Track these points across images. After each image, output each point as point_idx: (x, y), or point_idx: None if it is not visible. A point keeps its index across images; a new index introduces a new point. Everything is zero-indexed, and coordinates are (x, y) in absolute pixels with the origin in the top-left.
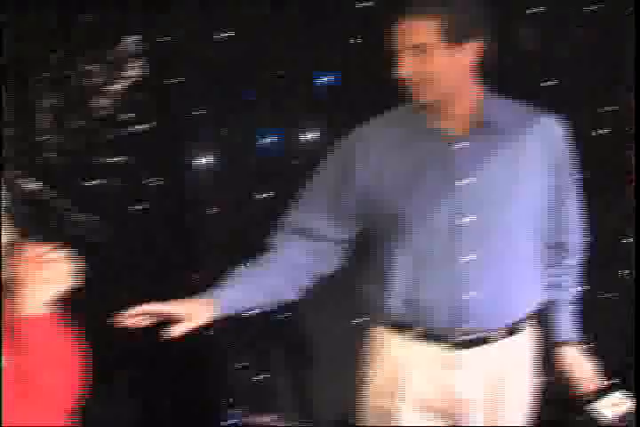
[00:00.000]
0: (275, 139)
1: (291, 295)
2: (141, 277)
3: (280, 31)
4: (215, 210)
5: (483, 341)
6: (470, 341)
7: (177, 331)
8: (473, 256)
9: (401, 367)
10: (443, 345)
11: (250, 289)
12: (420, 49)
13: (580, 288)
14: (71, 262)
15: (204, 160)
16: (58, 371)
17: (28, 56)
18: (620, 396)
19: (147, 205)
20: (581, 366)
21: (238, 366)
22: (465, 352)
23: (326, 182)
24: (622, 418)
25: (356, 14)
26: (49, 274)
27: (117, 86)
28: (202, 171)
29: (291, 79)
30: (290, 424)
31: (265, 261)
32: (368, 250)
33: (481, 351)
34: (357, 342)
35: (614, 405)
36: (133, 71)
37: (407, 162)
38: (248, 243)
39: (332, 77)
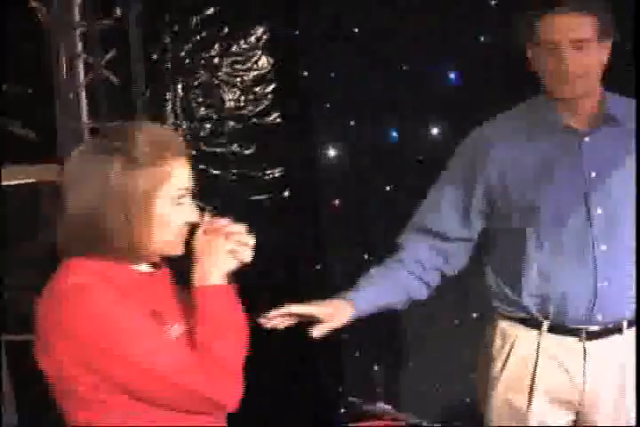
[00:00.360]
0: (398, 134)
1: (423, 295)
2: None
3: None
4: (338, 202)
5: (610, 331)
6: (599, 332)
7: (321, 331)
8: (604, 247)
9: (531, 361)
10: (573, 337)
11: (384, 290)
12: (581, 44)
13: None
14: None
15: (331, 152)
16: (233, 341)
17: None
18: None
19: (270, 196)
20: None
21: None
22: (594, 343)
23: (454, 182)
24: None
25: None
26: (233, 246)
27: (246, 78)
28: (328, 164)
29: (417, 76)
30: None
31: (397, 261)
32: (493, 247)
33: (608, 342)
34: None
35: None
36: (262, 62)
37: (536, 158)
38: (371, 236)
39: (457, 75)
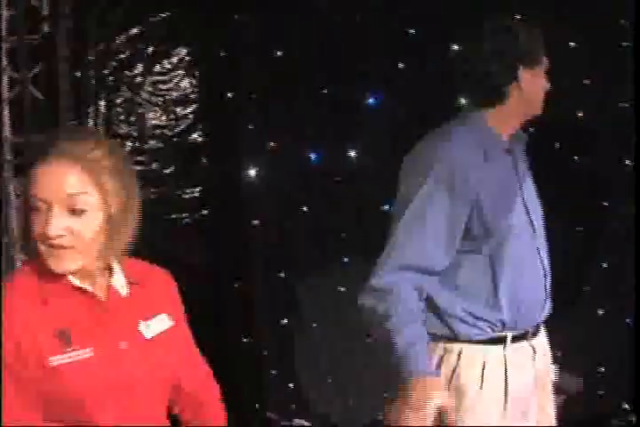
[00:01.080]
0: (319, 155)
1: None
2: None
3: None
4: (257, 222)
5: (540, 328)
6: (536, 329)
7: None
8: (542, 253)
9: (502, 377)
10: (528, 340)
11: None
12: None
13: None
14: None
15: (252, 172)
16: None
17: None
18: None
19: (187, 216)
20: None
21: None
22: (536, 340)
23: (437, 212)
24: None
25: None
26: None
27: (168, 97)
28: (248, 183)
29: (337, 99)
30: None
31: (422, 312)
32: (458, 270)
33: (541, 337)
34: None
35: None
36: (185, 83)
37: (494, 177)
38: (290, 256)
39: (376, 98)
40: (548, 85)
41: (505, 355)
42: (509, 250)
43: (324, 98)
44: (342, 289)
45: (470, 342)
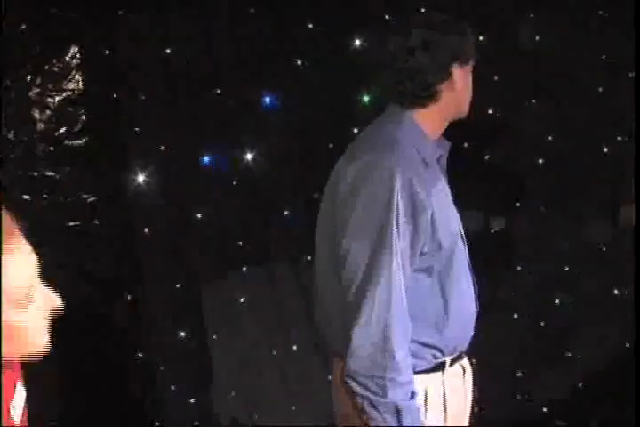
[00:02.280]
0: (215, 158)
1: None
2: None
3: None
4: (147, 231)
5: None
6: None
7: None
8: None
9: (441, 403)
10: (460, 361)
11: None
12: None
13: None
14: None
15: (142, 178)
16: None
17: None
18: None
19: (79, 222)
20: None
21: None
22: (465, 359)
23: (404, 242)
24: None
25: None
26: None
27: (57, 98)
28: (139, 190)
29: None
30: None
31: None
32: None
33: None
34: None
35: None
36: (75, 83)
37: (437, 188)
38: (184, 264)
39: (275, 99)
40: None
41: (443, 380)
42: (455, 264)
43: (218, 98)
44: (242, 299)
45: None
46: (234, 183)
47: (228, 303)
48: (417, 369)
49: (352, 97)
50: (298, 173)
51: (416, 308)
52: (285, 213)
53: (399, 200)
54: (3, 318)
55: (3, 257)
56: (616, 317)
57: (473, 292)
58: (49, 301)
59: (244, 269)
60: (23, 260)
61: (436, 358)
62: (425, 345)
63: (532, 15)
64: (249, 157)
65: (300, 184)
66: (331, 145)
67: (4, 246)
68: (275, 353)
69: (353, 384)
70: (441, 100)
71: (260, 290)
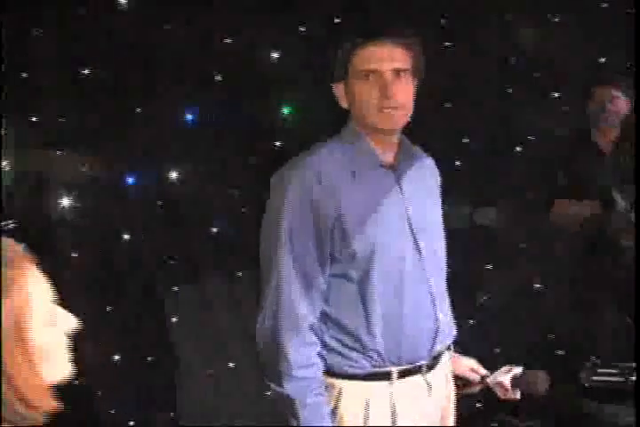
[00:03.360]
0: (137, 178)
1: None
2: None
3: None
4: (75, 255)
5: (439, 360)
6: (435, 361)
7: None
8: (432, 281)
9: (389, 416)
10: (417, 375)
11: None
12: (401, 74)
13: None
14: None
15: (65, 201)
16: None
17: None
18: (509, 366)
19: None
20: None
21: None
22: (432, 373)
23: (308, 244)
24: (515, 380)
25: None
26: None
27: None
28: (62, 212)
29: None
30: None
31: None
32: (331, 297)
33: (439, 370)
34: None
35: (506, 372)
36: None
37: (366, 197)
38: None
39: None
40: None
41: (392, 392)
42: (380, 275)
43: (139, 117)
44: (174, 319)
45: (351, 377)
46: (160, 202)
47: (160, 324)
48: (350, 373)
49: (273, 110)
50: (224, 189)
51: (339, 311)
52: (214, 229)
53: (292, 208)
54: (38, 341)
55: (27, 280)
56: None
57: (427, 310)
58: (67, 321)
59: (175, 288)
60: (42, 281)
61: (375, 366)
62: (352, 349)
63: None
64: (173, 175)
65: (228, 199)
66: (253, 159)
67: (24, 270)
68: (211, 371)
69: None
70: (359, 114)
71: (193, 308)
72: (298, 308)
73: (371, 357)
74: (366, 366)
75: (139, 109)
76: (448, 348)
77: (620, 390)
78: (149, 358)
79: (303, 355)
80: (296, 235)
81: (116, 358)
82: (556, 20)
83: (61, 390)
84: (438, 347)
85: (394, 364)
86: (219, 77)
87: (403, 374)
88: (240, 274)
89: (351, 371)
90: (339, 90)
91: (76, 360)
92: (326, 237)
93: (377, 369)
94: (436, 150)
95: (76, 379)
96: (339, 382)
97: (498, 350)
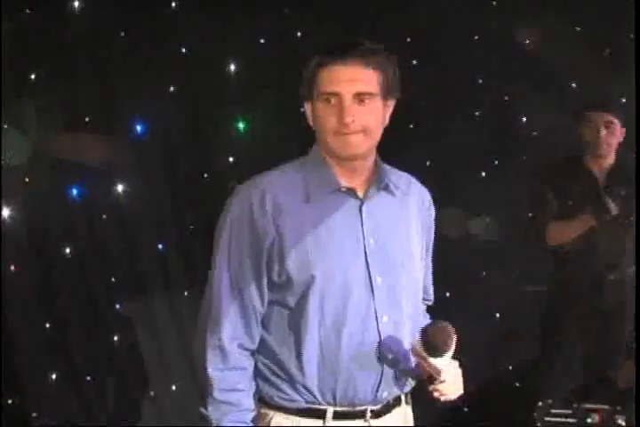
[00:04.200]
0: (81, 191)
1: None
2: None
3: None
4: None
5: (392, 406)
6: (383, 409)
7: None
8: (385, 319)
9: None
10: (358, 419)
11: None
12: (364, 98)
13: None
14: None
15: (6, 213)
16: None
17: None
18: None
19: None
20: None
21: None
22: (379, 421)
23: (243, 257)
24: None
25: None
26: None
27: None
28: (3, 225)
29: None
30: None
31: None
32: (268, 324)
33: (390, 417)
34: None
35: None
36: None
37: (315, 222)
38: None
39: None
40: (343, 118)
41: None
42: (317, 306)
43: (86, 127)
44: (115, 338)
45: (284, 410)
46: (104, 216)
47: (101, 343)
48: (280, 404)
49: (226, 124)
50: (173, 204)
51: (273, 338)
52: (159, 246)
53: (232, 224)
54: None
55: None
56: None
57: (370, 352)
58: None
59: (117, 306)
60: None
61: (307, 401)
62: (283, 380)
63: None
64: (119, 188)
65: (176, 215)
66: (205, 175)
67: None
68: (152, 394)
69: None
70: (318, 133)
71: (136, 326)
72: (226, 328)
73: (301, 392)
74: (298, 399)
75: (87, 119)
76: (399, 403)
77: None
78: (88, 378)
79: (227, 379)
80: (233, 251)
81: (53, 377)
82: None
83: None
84: (385, 393)
85: (329, 403)
86: (171, 89)
87: (341, 416)
88: (186, 293)
89: (283, 403)
90: (307, 109)
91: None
92: (262, 257)
93: (310, 405)
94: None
95: (10, 397)
96: (271, 413)
97: None
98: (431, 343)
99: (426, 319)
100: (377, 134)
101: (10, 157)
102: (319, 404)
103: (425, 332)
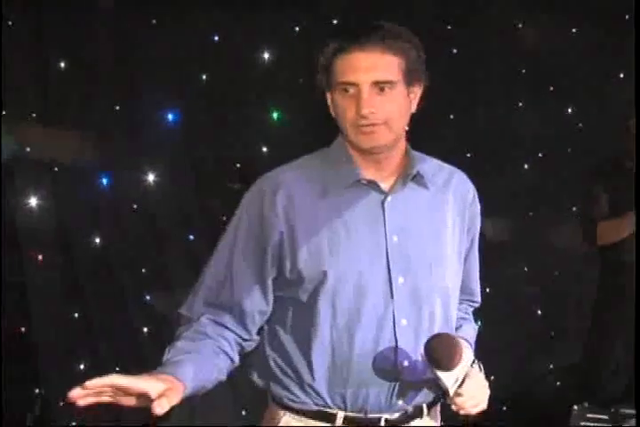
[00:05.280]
0: (111, 180)
1: (224, 374)
2: None
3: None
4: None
5: (411, 417)
6: (399, 419)
7: (164, 408)
8: (404, 322)
9: None
10: None
11: (200, 367)
12: (385, 86)
13: None
14: None
15: (33, 201)
16: None
17: None
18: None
19: None
20: None
21: None
22: None
23: (245, 247)
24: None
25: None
26: None
27: None
28: (29, 213)
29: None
30: None
31: (203, 334)
32: (279, 321)
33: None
34: None
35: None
36: None
37: (331, 217)
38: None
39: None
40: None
41: None
42: (330, 305)
43: (115, 115)
44: (145, 329)
45: (286, 407)
46: (134, 206)
47: (130, 333)
48: (288, 404)
49: (261, 114)
50: (204, 195)
51: (289, 337)
52: (190, 237)
53: (244, 216)
54: None
55: None
56: None
57: (386, 355)
58: None
59: (147, 297)
60: None
61: (317, 404)
62: (288, 377)
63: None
64: (150, 178)
65: (206, 206)
66: (238, 164)
67: None
68: None
69: None
70: (339, 124)
71: (164, 319)
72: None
73: (310, 394)
74: (308, 402)
75: (117, 107)
76: (420, 413)
77: None
78: (117, 368)
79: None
80: (239, 240)
81: (81, 367)
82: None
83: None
84: (400, 402)
85: (339, 407)
86: (204, 77)
87: (351, 422)
88: None
89: (292, 405)
90: (329, 98)
91: (40, 370)
92: (267, 252)
93: (321, 408)
94: None
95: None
96: (281, 413)
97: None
98: (432, 357)
99: (467, 323)
100: (401, 124)
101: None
102: (329, 407)
103: (426, 345)
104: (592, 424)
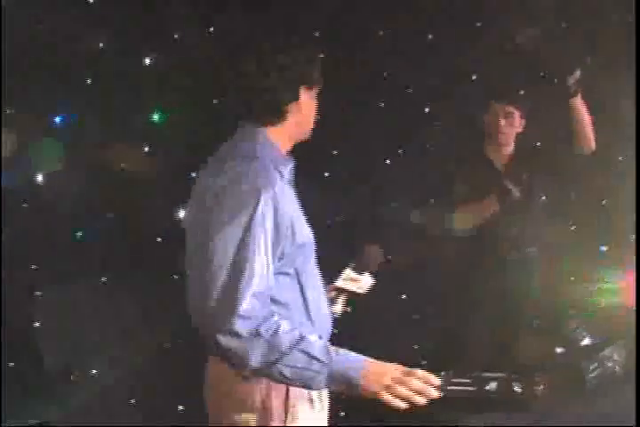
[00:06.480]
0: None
1: None
2: None
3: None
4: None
5: None
6: None
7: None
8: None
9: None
10: None
11: None
12: None
13: None
14: None
15: None
16: None
17: None
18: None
19: None
20: None
21: None
22: None
23: (265, 239)
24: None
25: None
26: None
27: None
28: None
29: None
30: None
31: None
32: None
33: None
34: None
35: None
36: None
37: (290, 192)
38: None
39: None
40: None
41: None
42: (309, 266)
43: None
44: (37, 324)
45: None
46: (25, 205)
47: (24, 329)
48: None
49: (142, 115)
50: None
51: (283, 302)
52: (78, 234)
53: (263, 213)
54: None
55: None
56: None
57: (325, 300)
58: None
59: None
60: None
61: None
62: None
63: None
64: (39, 178)
65: (94, 202)
66: (122, 165)
67: None
68: (73, 378)
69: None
70: (288, 120)
71: (58, 312)
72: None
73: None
74: None
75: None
76: None
77: (477, 400)
78: (10, 364)
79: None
80: (265, 237)
81: None
82: None
83: None
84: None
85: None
86: (89, 81)
87: None
88: (104, 279)
89: None
90: (303, 95)
91: None
92: (283, 238)
93: None
94: None
95: None
96: None
97: None
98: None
99: None
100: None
101: None
102: None
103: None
104: (457, 388)
